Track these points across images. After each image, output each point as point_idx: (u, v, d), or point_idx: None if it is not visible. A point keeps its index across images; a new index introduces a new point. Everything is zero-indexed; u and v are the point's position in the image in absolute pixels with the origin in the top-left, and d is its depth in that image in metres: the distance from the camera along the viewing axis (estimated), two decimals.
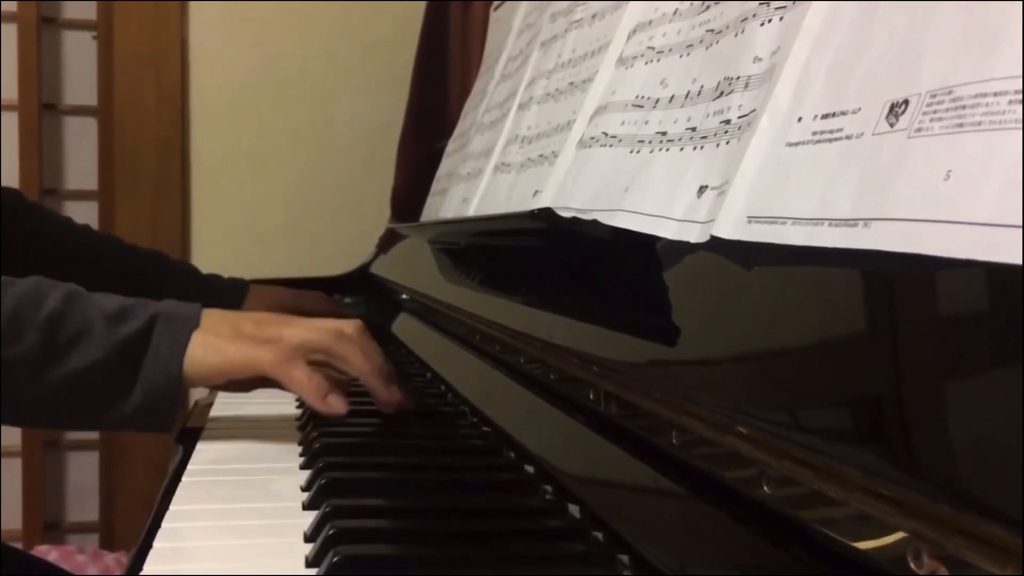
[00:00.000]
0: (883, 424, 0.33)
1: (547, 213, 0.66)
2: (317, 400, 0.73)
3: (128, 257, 1.22)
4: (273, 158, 1.96)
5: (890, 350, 0.34)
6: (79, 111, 1.98)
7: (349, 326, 0.77)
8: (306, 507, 0.59)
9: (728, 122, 0.51)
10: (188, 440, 0.77)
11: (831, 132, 0.41)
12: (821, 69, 0.44)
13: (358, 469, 0.66)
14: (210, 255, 1.93)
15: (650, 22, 0.68)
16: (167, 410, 0.72)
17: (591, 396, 0.57)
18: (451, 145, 1.31)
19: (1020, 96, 0.31)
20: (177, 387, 0.71)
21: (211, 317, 0.75)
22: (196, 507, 0.62)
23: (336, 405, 0.73)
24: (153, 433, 0.73)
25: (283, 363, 0.73)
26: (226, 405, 0.92)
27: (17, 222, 1.14)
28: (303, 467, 0.69)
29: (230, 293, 1.23)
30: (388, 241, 1.59)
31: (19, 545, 1.68)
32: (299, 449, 0.74)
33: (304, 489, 0.63)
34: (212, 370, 0.73)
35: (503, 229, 0.85)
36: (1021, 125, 0.30)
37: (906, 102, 0.36)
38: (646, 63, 0.66)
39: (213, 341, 0.73)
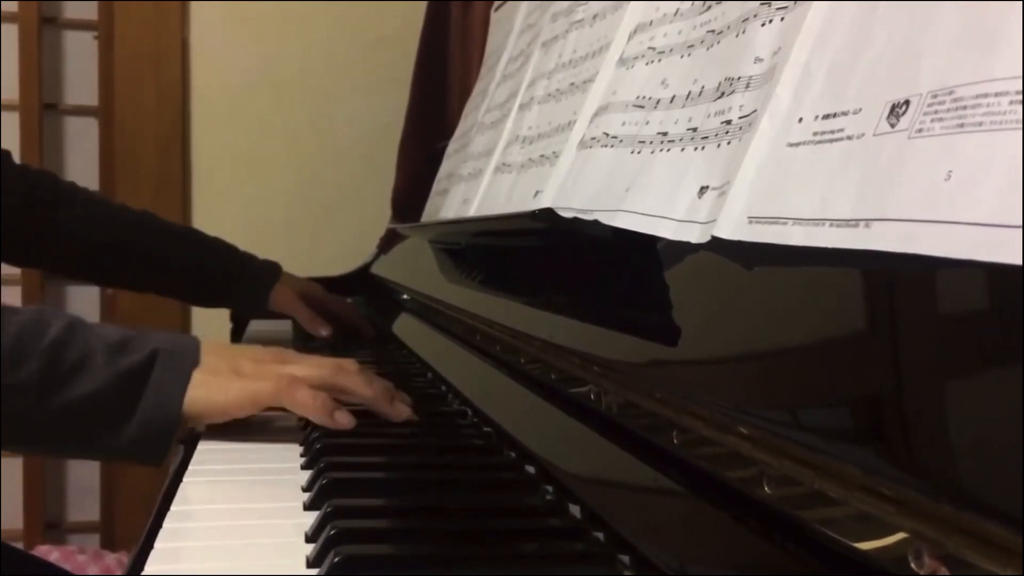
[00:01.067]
0: (884, 424, 0.33)
1: (548, 213, 0.66)
2: (326, 418, 0.73)
3: (163, 235, 1.25)
4: (273, 158, 1.96)
5: (891, 350, 0.34)
6: (80, 111, 1.98)
7: (347, 363, 0.79)
8: (307, 507, 0.59)
9: (729, 122, 0.51)
10: (189, 441, 0.77)
11: (832, 132, 0.41)
12: (822, 69, 0.44)
13: (359, 469, 0.66)
14: None
15: (651, 22, 0.68)
16: (161, 445, 0.72)
17: (592, 396, 0.57)
18: (452, 145, 1.31)
19: (1021, 96, 0.31)
20: (175, 424, 0.72)
21: (210, 355, 0.75)
22: (197, 507, 0.62)
23: (344, 421, 0.74)
24: (142, 464, 0.73)
25: (285, 388, 0.74)
26: None
27: (51, 206, 1.16)
28: (304, 467, 0.69)
29: (264, 274, 1.28)
30: (389, 241, 1.59)
31: (20, 545, 1.68)
32: (300, 449, 0.74)
33: (305, 489, 0.63)
34: (214, 409, 0.74)
35: (504, 229, 0.85)
36: (1022, 126, 0.30)
37: (907, 102, 0.37)
38: (647, 63, 0.66)
39: (214, 380, 0.74)
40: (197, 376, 0.73)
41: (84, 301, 1.99)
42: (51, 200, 1.18)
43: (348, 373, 0.77)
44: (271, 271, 1.31)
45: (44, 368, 0.69)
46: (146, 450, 0.72)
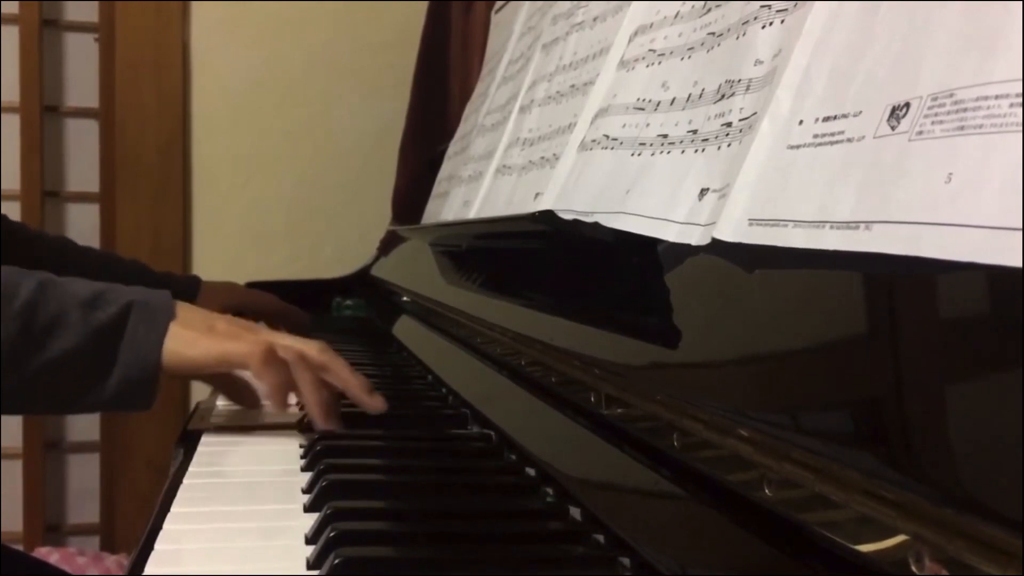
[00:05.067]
0: (884, 427, 0.33)
1: (548, 215, 0.66)
2: (280, 400, 0.75)
3: (82, 260, 1.23)
4: (274, 160, 1.96)
5: (891, 353, 0.34)
6: (80, 113, 1.98)
7: (315, 348, 0.78)
8: (307, 509, 0.59)
9: (729, 125, 0.51)
10: (189, 443, 0.77)
11: (832, 135, 0.41)
12: (822, 72, 0.44)
13: (359, 471, 0.66)
14: (211, 257, 1.93)
15: (651, 25, 0.68)
16: (146, 391, 0.73)
17: (592, 399, 0.57)
18: (452, 148, 1.31)
19: (1020, 99, 0.31)
20: (155, 371, 0.73)
21: (185, 310, 0.76)
22: (197, 509, 0.62)
23: (292, 403, 0.75)
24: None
25: (257, 354, 0.74)
26: (227, 407, 0.92)
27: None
28: (304, 469, 0.69)
29: (184, 288, 1.24)
30: (389, 243, 1.59)
31: (20, 547, 1.68)
32: (300, 451, 0.74)
33: (305, 491, 0.63)
34: (187, 362, 0.74)
35: (504, 231, 0.85)
36: (1021, 128, 0.30)
37: (907, 105, 0.37)
38: (647, 66, 0.66)
39: (188, 334, 0.74)
40: (173, 328, 0.74)
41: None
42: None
43: (331, 353, 0.78)
44: (191, 285, 1.27)
45: (19, 330, 0.70)
46: (131, 399, 0.73)
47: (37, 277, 0.73)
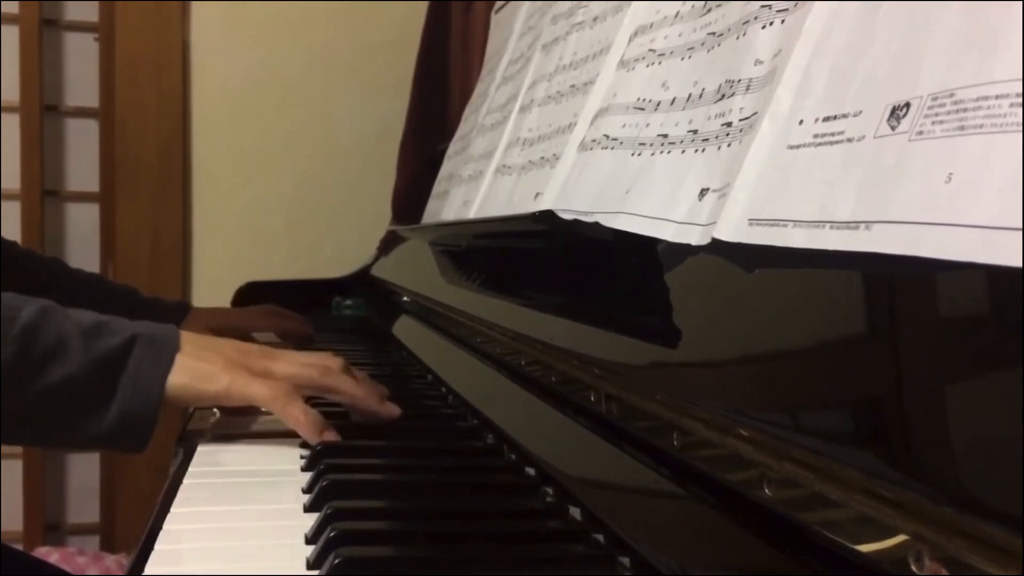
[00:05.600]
0: (884, 426, 0.33)
1: (548, 215, 0.66)
2: (314, 435, 0.73)
3: (70, 281, 1.20)
4: (274, 160, 1.96)
5: (891, 352, 0.34)
6: (80, 113, 1.98)
7: (332, 361, 0.78)
8: (307, 509, 0.59)
9: (729, 124, 0.51)
10: (189, 443, 0.77)
11: (832, 135, 0.41)
12: (822, 72, 0.44)
13: (359, 471, 0.66)
14: (211, 257, 1.93)
15: (651, 25, 0.68)
16: (142, 432, 0.71)
17: (592, 398, 0.57)
18: (452, 147, 1.31)
19: (1021, 99, 0.31)
20: (156, 411, 0.71)
21: (191, 342, 0.74)
22: (197, 509, 0.62)
23: (331, 438, 0.74)
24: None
25: (280, 399, 0.73)
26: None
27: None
28: (304, 469, 0.69)
29: (171, 314, 1.20)
30: (389, 243, 1.59)
31: (20, 547, 1.68)
32: (300, 451, 0.74)
33: (305, 491, 0.63)
34: (202, 396, 0.73)
35: (504, 231, 0.85)
36: (1022, 128, 0.30)
37: (907, 105, 0.37)
38: (647, 65, 0.66)
39: (202, 367, 0.73)
40: (181, 361, 0.72)
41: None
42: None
43: (335, 373, 0.77)
44: (177, 311, 1.23)
45: (18, 353, 0.68)
46: (127, 437, 0.71)
47: (39, 303, 0.71)
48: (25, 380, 0.68)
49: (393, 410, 0.78)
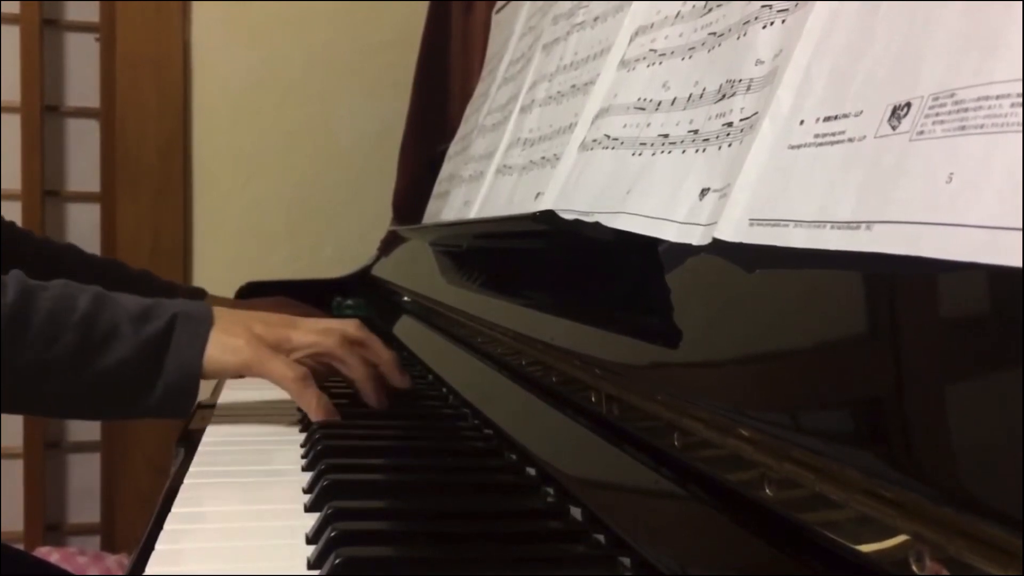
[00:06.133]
0: (885, 426, 0.33)
1: (549, 215, 0.66)
2: (322, 418, 0.80)
3: (87, 266, 1.24)
4: (275, 160, 1.96)
5: (892, 352, 0.34)
6: (81, 113, 1.98)
7: (352, 327, 0.86)
8: (308, 509, 0.59)
9: (730, 124, 0.51)
10: (190, 442, 0.78)
11: (833, 135, 0.41)
12: (823, 72, 0.44)
13: (360, 471, 0.66)
14: (211, 257, 1.93)
15: (652, 25, 0.68)
16: (186, 401, 0.79)
17: (593, 398, 0.57)
18: (453, 147, 1.31)
19: (1021, 99, 0.31)
20: (196, 382, 0.79)
21: (223, 317, 0.82)
22: (198, 509, 0.62)
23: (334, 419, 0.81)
24: (167, 421, 0.82)
25: (297, 382, 0.80)
26: (228, 407, 0.92)
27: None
28: (305, 469, 0.69)
29: (188, 298, 1.22)
30: (390, 243, 1.59)
31: (20, 546, 1.68)
32: (301, 451, 0.74)
33: (306, 491, 0.63)
34: (227, 368, 0.81)
35: (505, 231, 0.85)
36: (1022, 128, 0.30)
37: (908, 105, 0.37)
38: (648, 65, 0.66)
39: (229, 341, 0.80)
40: (213, 336, 0.80)
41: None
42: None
43: (350, 345, 0.84)
44: (194, 299, 1.23)
45: (79, 340, 0.76)
46: (174, 405, 0.79)
47: (91, 291, 0.79)
48: (85, 365, 0.76)
49: (406, 381, 0.87)
